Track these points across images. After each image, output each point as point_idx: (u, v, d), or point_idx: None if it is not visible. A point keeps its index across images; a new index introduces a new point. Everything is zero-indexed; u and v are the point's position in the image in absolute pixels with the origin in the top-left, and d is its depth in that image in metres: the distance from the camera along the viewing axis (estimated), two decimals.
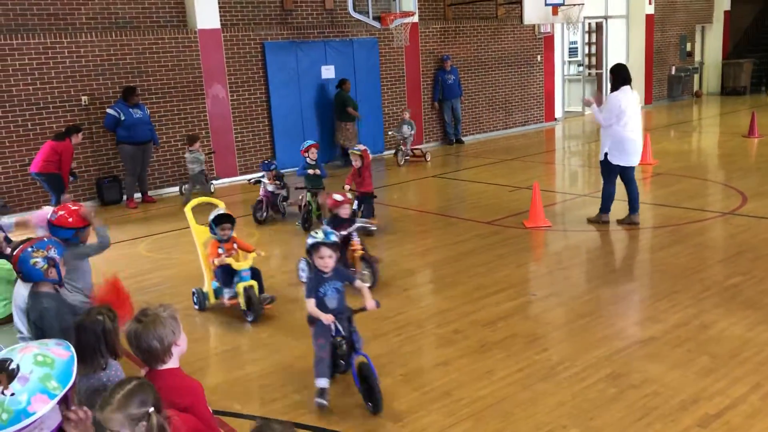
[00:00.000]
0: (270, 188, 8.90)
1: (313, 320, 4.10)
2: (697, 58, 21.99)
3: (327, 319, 3.96)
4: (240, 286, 5.53)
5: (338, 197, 6.36)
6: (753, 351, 4.49)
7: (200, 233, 6.02)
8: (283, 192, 8.97)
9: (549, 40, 16.82)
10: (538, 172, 11.50)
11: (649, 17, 19.33)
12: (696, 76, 21.81)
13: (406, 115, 13.02)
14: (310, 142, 8.48)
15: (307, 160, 8.34)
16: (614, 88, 7.66)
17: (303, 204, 8.39)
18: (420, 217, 9.11)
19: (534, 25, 15.81)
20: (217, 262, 5.62)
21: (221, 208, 5.91)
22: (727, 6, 21.93)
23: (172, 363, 2.75)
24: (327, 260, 4.01)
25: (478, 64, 15.46)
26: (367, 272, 6.09)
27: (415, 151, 13.16)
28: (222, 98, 11.77)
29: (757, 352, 4.46)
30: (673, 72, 20.75)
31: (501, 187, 10.35)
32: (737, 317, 5.04)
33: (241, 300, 5.53)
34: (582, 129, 16.78)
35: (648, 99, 19.84)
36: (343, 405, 4.13)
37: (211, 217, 5.71)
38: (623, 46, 19.53)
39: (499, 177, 11.15)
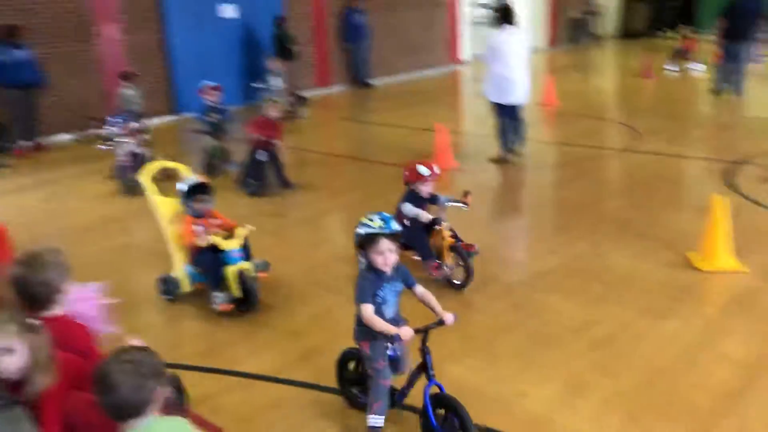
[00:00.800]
0: (131, 147, 7.46)
1: (368, 335, 3.07)
2: (597, 1, 22.49)
3: (406, 334, 2.92)
4: (231, 271, 4.43)
5: (424, 170, 4.82)
6: (641, 278, 4.74)
7: (165, 206, 4.81)
8: (147, 151, 7.58)
9: None
10: (446, 114, 11.57)
11: None
12: (597, 19, 22.35)
13: (274, 66, 11.42)
14: (208, 83, 8.13)
15: (208, 102, 8.01)
16: (495, 27, 7.73)
17: (205, 148, 8.07)
18: (327, 159, 9.02)
19: None
20: (200, 242, 4.49)
21: (194, 176, 4.83)
22: None
23: (57, 309, 2.65)
24: (388, 255, 3.01)
25: (384, 6, 15.21)
26: (458, 267, 4.75)
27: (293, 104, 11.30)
28: (115, 39, 11.08)
29: (644, 279, 4.72)
30: (575, 15, 21.17)
31: (409, 129, 10.36)
32: (628, 248, 5.30)
33: (234, 287, 4.42)
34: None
35: (552, 42, 20.21)
36: None
37: (184, 186, 4.67)
38: None
39: (407, 119, 11.15)
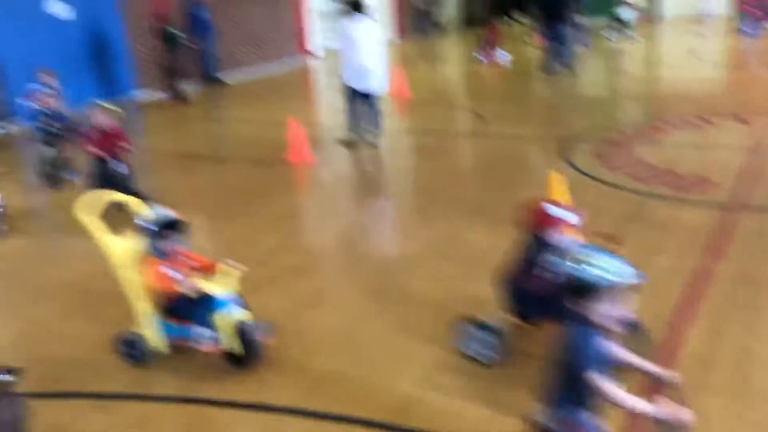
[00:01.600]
0: None
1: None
2: None
3: (687, 418, 2.17)
4: (226, 322, 3.62)
5: (563, 213, 3.55)
6: (494, 255, 4.97)
7: (118, 248, 3.82)
8: None
9: None
10: (298, 106, 11.52)
11: None
12: (439, 10, 23.17)
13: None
14: (36, 86, 7.52)
15: (39, 108, 7.40)
16: (344, 16, 8.00)
17: (40, 156, 7.47)
18: (181, 161, 8.69)
19: None
20: (184, 288, 3.66)
21: (163, 211, 3.83)
22: None
23: None
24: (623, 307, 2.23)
25: (226, 0, 14.83)
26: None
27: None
28: None
29: (495, 258, 4.95)
30: (418, 6, 21.79)
31: (264, 125, 10.22)
32: (480, 227, 5.54)
33: (234, 341, 3.62)
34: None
35: (401, 33, 20.68)
36: None
37: (149, 223, 3.76)
38: None
39: (262, 114, 10.98)
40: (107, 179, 6.32)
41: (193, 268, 3.82)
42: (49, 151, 7.46)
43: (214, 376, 3.62)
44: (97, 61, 12.38)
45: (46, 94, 7.48)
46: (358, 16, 7.90)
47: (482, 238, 5.31)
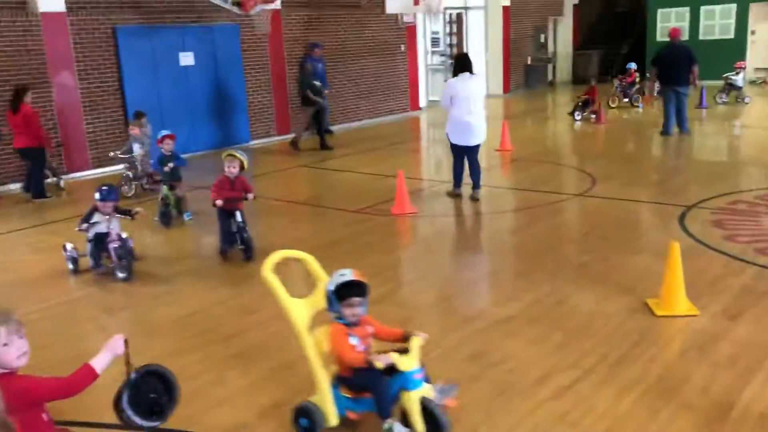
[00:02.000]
0: (98, 221, 6.24)
1: None
2: (551, 49, 23.27)
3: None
4: (411, 398, 3.29)
5: None
6: (600, 324, 4.78)
7: (299, 309, 3.57)
8: (127, 243, 6.26)
9: (412, 30, 17.11)
10: (404, 160, 11.69)
11: (505, 9, 20.18)
12: (550, 66, 23.09)
13: (136, 131, 9.72)
14: (164, 132, 8.08)
15: (162, 151, 7.95)
16: (453, 75, 8.41)
17: (161, 198, 7.99)
18: (288, 207, 8.97)
19: (397, 15, 16.01)
20: (373, 361, 3.29)
21: (347, 273, 3.47)
22: (576, 0, 23.37)
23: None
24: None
25: (342, 53, 15.43)
26: None
27: (155, 176, 9.05)
28: (70, 86, 10.96)
29: (604, 325, 4.76)
30: (528, 62, 21.82)
31: (368, 176, 10.42)
32: (587, 293, 5.35)
33: (416, 419, 3.28)
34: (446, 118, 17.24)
35: (506, 88, 20.73)
36: None
37: (332, 285, 3.46)
38: (483, 36, 20.26)
39: (367, 166, 11.21)
40: (229, 227, 6.54)
41: (377, 337, 3.58)
42: (168, 192, 7.92)
43: None
44: (218, 109, 13.13)
45: (169, 138, 7.98)
46: (464, 74, 8.20)
47: (589, 305, 5.11)
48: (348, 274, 3.45)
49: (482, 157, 8.81)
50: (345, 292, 3.42)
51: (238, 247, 6.60)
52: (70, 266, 6.45)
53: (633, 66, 16.36)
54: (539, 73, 22.31)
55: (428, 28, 19.04)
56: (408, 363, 3.31)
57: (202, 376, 4.30)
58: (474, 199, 8.40)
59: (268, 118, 14.06)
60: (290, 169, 11.53)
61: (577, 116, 14.78)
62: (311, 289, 3.70)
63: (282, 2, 13.50)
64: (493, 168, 10.61)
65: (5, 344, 2.56)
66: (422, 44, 18.19)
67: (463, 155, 8.43)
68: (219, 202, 6.43)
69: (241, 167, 6.48)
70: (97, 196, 6.26)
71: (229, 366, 4.43)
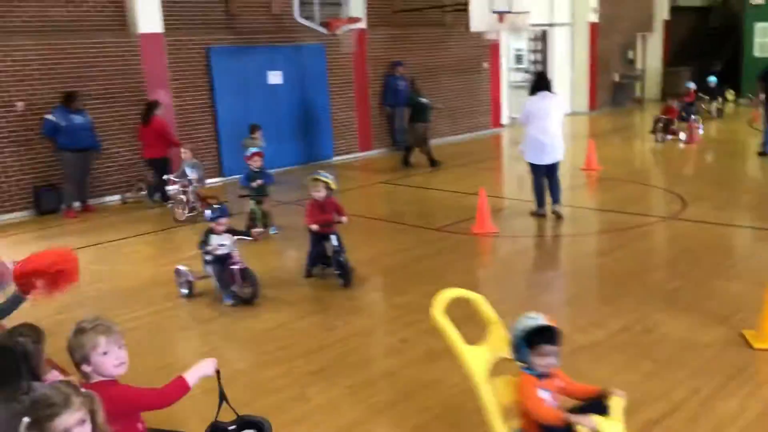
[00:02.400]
0: (219, 243, 6.01)
1: None
2: (639, 65, 22.60)
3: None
4: None
5: None
6: (693, 354, 4.57)
7: (477, 359, 3.27)
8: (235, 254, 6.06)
9: (495, 47, 17.02)
10: (486, 178, 11.59)
11: (592, 25, 19.77)
12: (638, 83, 22.42)
13: (187, 155, 9.58)
14: (253, 149, 8.34)
15: (252, 167, 8.20)
16: (531, 93, 8.40)
17: (248, 211, 8.23)
18: (368, 223, 9.05)
19: (480, 32, 15.97)
20: (578, 423, 2.89)
21: (538, 317, 3.16)
22: (666, 16, 22.62)
23: (98, 376, 2.71)
24: None
25: (425, 71, 15.49)
26: None
27: (208, 199, 8.99)
28: (165, 104, 11.49)
29: (697, 356, 4.54)
30: (616, 79, 21.26)
31: (449, 194, 10.39)
32: (678, 321, 5.13)
33: None
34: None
35: (593, 105, 20.27)
36: None
37: (521, 331, 3.11)
38: (568, 53, 19.92)
39: (448, 183, 11.18)
40: (323, 251, 6.42)
41: (567, 393, 3.18)
42: (255, 207, 8.16)
43: None
44: (304, 126, 13.44)
45: (257, 155, 8.23)
46: (544, 93, 8.19)
47: (680, 333, 4.90)
48: (539, 319, 3.08)
49: (567, 177, 8.65)
50: (537, 338, 3.02)
51: (333, 271, 6.39)
52: (184, 291, 6.19)
53: (692, 86, 15.67)
54: (627, 90, 21.69)
55: (511, 45, 18.89)
56: (612, 428, 2.83)
57: (285, 391, 4.38)
58: (555, 213, 8.31)
59: (351, 135, 14.28)
60: (371, 186, 11.64)
61: (659, 138, 14.09)
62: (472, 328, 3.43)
63: (367, 22, 13.72)
64: (578, 188, 10.37)
65: (105, 353, 2.70)
66: (505, 61, 18.05)
67: (542, 174, 8.37)
68: (314, 227, 6.30)
69: (328, 188, 6.38)
70: (207, 214, 6.11)
71: (310, 382, 4.49)
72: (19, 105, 10.01)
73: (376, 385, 4.43)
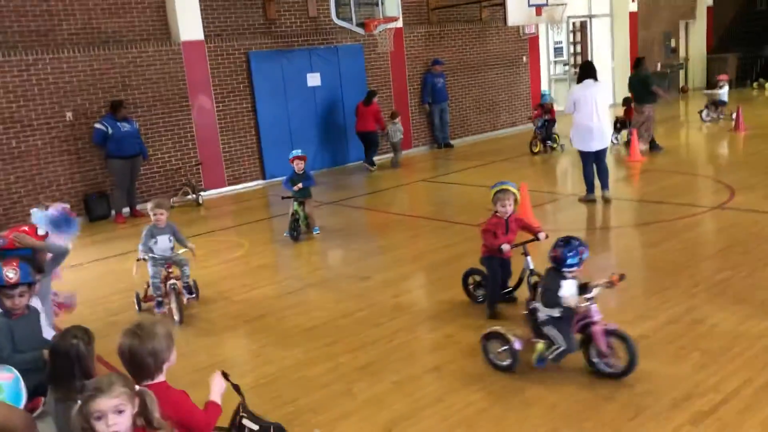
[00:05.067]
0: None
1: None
2: (682, 54, 22.09)
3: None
4: None
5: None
6: (744, 345, 4.48)
7: None
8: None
9: (534, 40, 16.87)
10: (527, 173, 11.50)
11: (632, 15, 19.42)
12: (681, 72, 21.91)
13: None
14: (296, 152, 8.45)
15: (294, 170, 8.32)
16: (578, 81, 8.70)
17: (290, 213, 8.36)
18: (410, 221, 9.08)
19: (518, 26, 15.85)
20: None
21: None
22: (710, 1, 22.06)
23: (160, 377, 2.80)
24: None
25: (464, 67, 15.47)
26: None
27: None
28: (208, 109, 11.74)
29: (748, 347, 4.45)
30: (658, 68, 20.82)
31: (486, 189, 10.32)
32: (728, 312, 5.03)
33: None
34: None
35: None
36: None
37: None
38: (608, 44, 19.60)
39: (489, 179, 11.11)
40: (506, 276, 5.56)
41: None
42: (297, 209, 8.28)
43: None
44: (343, 127, 13.54)
45: (300, 158, 8.34)
46: (588, 81, 8.46)
47: (731, 325, 4.80)
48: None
49: (612, 168, 8.65)
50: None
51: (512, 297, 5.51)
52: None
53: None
54: (670, 79, 21.21)
55: (551, 38, 18.68)
56: None
57: (332, 387, 4.45)
58: (605, 198, 8.58)
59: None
60: (410, 184, 11.67)
61: (706, 117, 14.80)
62: None
63: (404, 20, 13.76)
64: (623, 179, 10.23)
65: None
66: (545, 54, 17.86)
67: (591, 160, 8.59)
68: (506, 248, 5.19)
69: (516, 201, 5.40)
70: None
71: (357, 378, 4.55)
72: (69, 115, 10.36)
73: (422, 379, 4.46)
